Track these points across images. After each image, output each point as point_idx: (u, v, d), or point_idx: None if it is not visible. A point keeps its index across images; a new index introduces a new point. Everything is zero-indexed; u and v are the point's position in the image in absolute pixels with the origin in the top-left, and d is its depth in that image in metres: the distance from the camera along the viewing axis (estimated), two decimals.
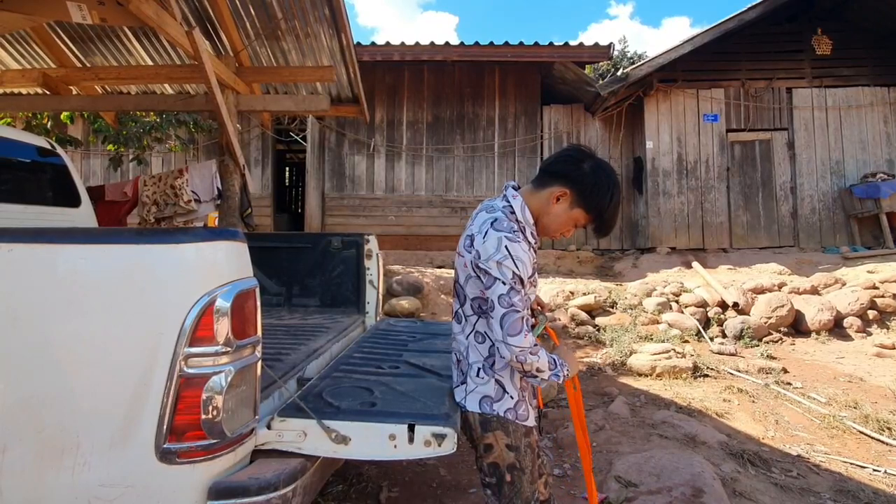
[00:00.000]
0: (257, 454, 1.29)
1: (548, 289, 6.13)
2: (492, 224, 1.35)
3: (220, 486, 1.14)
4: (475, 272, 1.37)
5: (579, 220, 1.44)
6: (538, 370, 1.33)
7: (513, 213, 1.41)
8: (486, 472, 1.43)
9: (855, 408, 3.61)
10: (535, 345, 1.32)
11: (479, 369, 1.42)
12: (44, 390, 1.13)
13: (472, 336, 1.44)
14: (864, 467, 2.83)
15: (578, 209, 1.41)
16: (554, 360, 1.37)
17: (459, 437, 1.37)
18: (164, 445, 1.11)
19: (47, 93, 4.77)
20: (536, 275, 1.49)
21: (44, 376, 1.13)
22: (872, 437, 3.19)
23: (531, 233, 1.43)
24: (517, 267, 1.30)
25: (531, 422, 1.46)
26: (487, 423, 1.40)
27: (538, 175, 1.48)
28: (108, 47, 4.72)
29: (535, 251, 1.47)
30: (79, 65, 4.86)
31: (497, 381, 1.41)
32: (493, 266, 1.30)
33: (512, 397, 1.41)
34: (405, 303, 5.67)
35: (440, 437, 1.30)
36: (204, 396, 1.13)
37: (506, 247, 1.30)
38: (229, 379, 1.15)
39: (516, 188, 1.48)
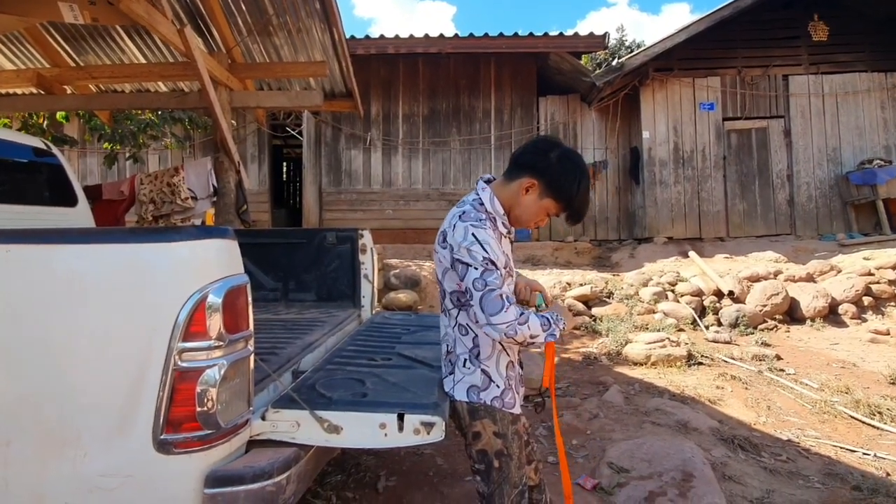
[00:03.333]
0: (252, 444, 1.34)
1: (545, 280, 6.17)
2: (459, 217, 1.40)
3: (217, 475, 1.19)
4: (452, 266, 1.41)
5: (550, 209, 1.47)
6: (532, 337, 1.35)
7: (482, 204, 1.45)
8: (475, 458, 1.48)
9: (847, 393, 3.66)
10: (522, 314, 1.34)
11: (465, 360, 1.46)
12: (44, 385, 1.17)
13: (456, 329, 1.48)
14: (854, 451, 2.88)
15: (548, 199, 1.45)
16: (547, 318, 1.39)
17: (448, 425, 1.41)
18: (162, 436, 1.16)
19: (42, 93, 4.78)
20: (512, 264, 1.53)
21: (44, 372, 1.17)
22: (863, 422, 3.24)
23: (502, 223, 1.47)
24: (485, 250, 1.34)
25: (518, 409, 1.51)
26: (475, 412, 1.44)
27: (508, 167, 1.51)
28: (101, 46, 4.72)
29: (510, 241, 1.51)
30: (72, 64, 4.86)
31: (483, 370, 1.45)
32: (464, 253, 1.34)
33: (498, 386, 1.46)
34: (403, 296, 5.72)
35: (429, 426, 1.34)
36: (199, 389, 1.17)
37: (472, 234, 1.35)
38: (223, 372, 1.20)
39: (488, 181, 1.52)
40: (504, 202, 1.47)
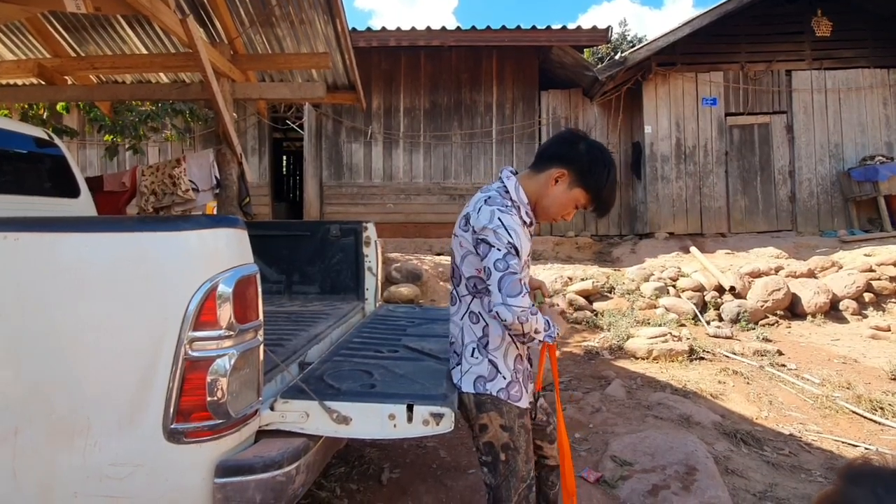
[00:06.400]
0: (262, 434, 1.34)
1: (546, 275, 6.17)
2: (485, 201, 1.41)
3: (227, 465, 1.19)
4: (473, 249, 1.41)
5: (579, 200, 1.47)
6: (535, 331, 1.36)
7: (507, 192, 1.45)
8: (482, 450, 1.48)
9: (848, 388, 3.67)
10: (533, 305, 1.36)
11: (473, 349, 1.46)
12: (53, 375, 1.16)
13: (466, 317, 1.48)
14: (856, 446, 2.89)
15: (578, 188, 1.45)
16: (548, 321, 1.43)
17: (457, 417, 1.41)
18: (172, 426, 1.15)
19: (43, 83, 4.75)
20: (529, 258, 1.52)
21: (53, 361, 1.17)
22: (865, 417, 3.25)
23: (526, 212, 1.46)
24: (510, 236, 1.34)
25: (524, 403, 1.50)
26: (482, 404, 1.44)
27: (535, 160, 1.52)
28: (102, 36, 4.69)
29: (529, 233, 1.50)
30: (73, 54, 4.83)
31: (490, 361, 1.45)
32: (490, 234, 1.34)
33: (504, 377, 1.45)
34: (404, 290, 5.72)
35: (438, 417, 1.34)
36: (209, 379, 1.17)
37: (499, 218, 1.35)
38: (233, 362, 1.19)
39: (513, 172, 1.52)
40: (530, 194, 1.47)
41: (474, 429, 1.48)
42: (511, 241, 1.33)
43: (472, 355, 1.46)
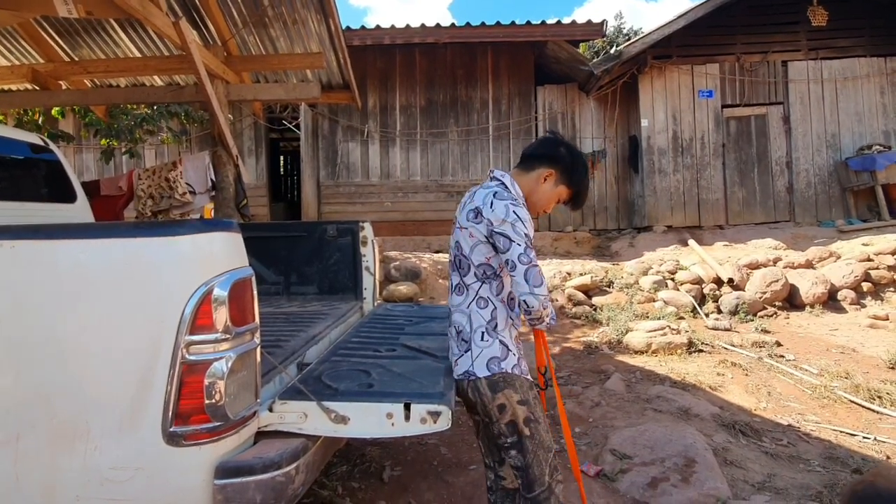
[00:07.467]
0: (260, 435, 1.35)
1: (545, 270, 6.18)
2: (494, 195, 1.52)
3: (227, 466, 1.20)
4: (488, 239, 1.50)
5: (562, 196, 1.65)
6: (547, 315, 1.50)
7: (506, 188, 1.58)
8: (505, 433, 1.51)
9: (846, 378, 3.69)
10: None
11: (482, 333, 1.51)
12: (53, 380, 1.18)
13: (474, 303, 1.54)
14: (854, 435, 2.91)
15: (562, 186, 1.64)
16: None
17: (454, 414, 1.42)
18: (171, 429, 1.16)
19: (37, 88, 4.74)
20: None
21: (52, 367, 1.18)
22: (863, 406, 3.26)
23: (522, 204, 1.58)
24: (526, 227, 1.48)
25: (531, 377, 1.58)
26: (496, 385, 1.49)
27: (522, 160, 1.68)
28: (95, 40, 4.68)
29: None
30: (67, 59, 4.82)
31: (501, 341, 1.52)
32: (508, 228, 1.46)
33: (514, 354, 1.53)
34: (404, 288, 5.73)
35: (435, 415, 1.35)
36: (206, 382, 1.18)
37: (514, 211, 1.47)
38: (230, 364, 1.20)
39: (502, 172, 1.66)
40: (522, 189, 1.62)
41: (492, 413, 1.50)
42: (527, 232, 1.47)
43: (482, 339, 1.51)
